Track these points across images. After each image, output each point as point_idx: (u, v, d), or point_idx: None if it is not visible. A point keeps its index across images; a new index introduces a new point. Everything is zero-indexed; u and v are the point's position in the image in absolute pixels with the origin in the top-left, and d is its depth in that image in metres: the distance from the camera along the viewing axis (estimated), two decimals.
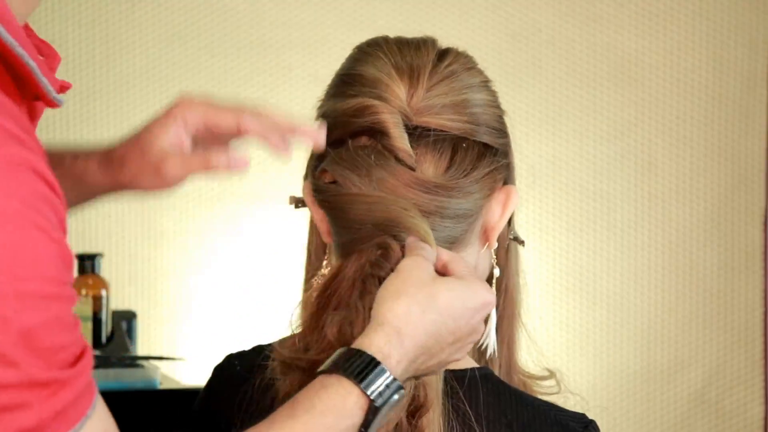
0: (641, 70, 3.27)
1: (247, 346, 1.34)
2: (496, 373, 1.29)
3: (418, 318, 1.14)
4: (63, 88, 1.11)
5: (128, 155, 1.26)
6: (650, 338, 3.28)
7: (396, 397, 1.12)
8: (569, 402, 1.31)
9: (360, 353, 1.13)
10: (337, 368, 1.12)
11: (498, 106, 1.30)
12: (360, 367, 1.12)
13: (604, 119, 3.26)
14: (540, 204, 3.23)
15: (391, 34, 1.32)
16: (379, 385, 1.11)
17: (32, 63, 1.04)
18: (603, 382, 3.26)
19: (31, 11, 1.09)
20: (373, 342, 1.13)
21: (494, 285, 1.29)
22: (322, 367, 1.13)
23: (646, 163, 3.28)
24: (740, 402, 3.31)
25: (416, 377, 1.18)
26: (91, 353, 1.03)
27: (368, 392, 1.11)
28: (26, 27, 1.09)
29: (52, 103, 1.08)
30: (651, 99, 3.28)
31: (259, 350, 1.29)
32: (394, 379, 1.12)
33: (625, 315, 3.27)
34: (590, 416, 1.28)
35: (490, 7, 3.17)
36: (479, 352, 1.29)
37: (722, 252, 3.30)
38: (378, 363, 1.12)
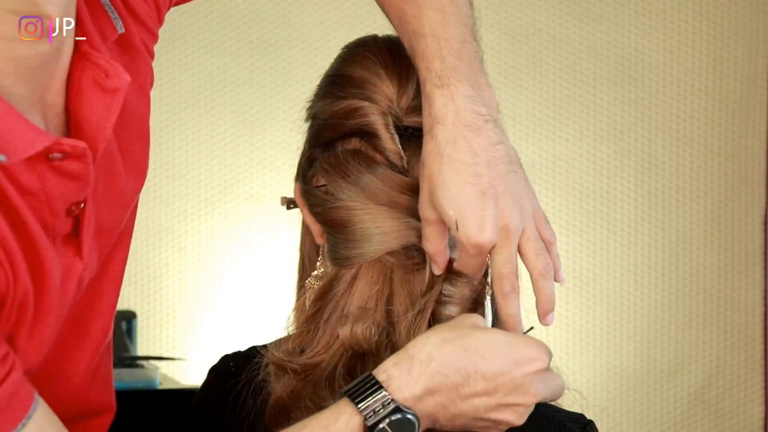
0: (641, 69, 3.27)
1: (244, 347, 1.34)
2: None
3: (434, 347, 1.13)
4: (60, 148, 1.04)
5: None
6: (650, 338, 3.28)
7: (396, 417, 1.10)
8: (567, 398, 1.31)
9: (366, 376, 1.13)
10: (343, 390, 1.14)
11: None
12: (358, 387, 1.12)
13: (604, 119, 3.26)
14: (540, 203, 3.23)
15: (391, 35, 1.31)
16: (372, 402, 1.11)
17: None
18: (603, 381, 3.26)
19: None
20: (382, 364, 1.13)
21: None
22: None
23: (646, 163, 3.28)
24: (740, 402, 3.31)
25: (451, 424, 1.15)
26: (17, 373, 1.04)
27: (360, 408, 1.11)
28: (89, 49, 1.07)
29: None
30: (651, 99, 3.28)
31: (254, 351, 1.29)
32: (392, 400, 1.11)
33: (625, 315, 3.27)
34: (590, 416, 1.28)
35: (490, 7, 3.17)
36: None
37: (722, 252, 3.30)
38: (375, 382, 1.12)
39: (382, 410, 1.11)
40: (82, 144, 1.05)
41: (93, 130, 1.08)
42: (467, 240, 1.16)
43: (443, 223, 1.18)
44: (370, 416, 1.11)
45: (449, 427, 1.15)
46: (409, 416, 1.11)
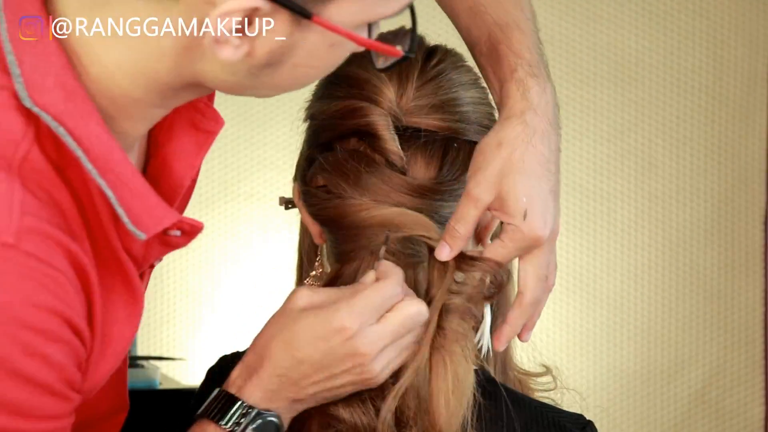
0: (641, 70, 3.27)
1: (243, 348, 1.34)
2: (492, 372, 1.29)
3: (263, 348, 1.17)
4: (180, 225, 1.03)
5: None
6: (650, 338, 3.28)
7: (257, 423, 1.13)
8: (565, 398, 1.31)
9: (219, 392, 1.16)
10: (199, 412, 1.16)
11: (488, 104, 1.28)
12: (213, 406, 1.15)
13: (604, 119, 3.26)
14: None
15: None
16: (234, 415, 1.13)
17: (109, 192, 0.99)
18: (603, 382, 3.26)
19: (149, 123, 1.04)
20: (229, 377, 1.17)
21: None
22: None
23: (646, 163, 3.28)
24: (740, 402, 3.31)
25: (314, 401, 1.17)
26: None
27: (222, 423, 1.13)
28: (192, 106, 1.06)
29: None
30: (651, 99, 3.28)
31: None
32: (250, 407, 1.13)
33: (625, 315, 3.27)
34: (590, 416, 1.27)
35: None
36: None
37: (722, 252, 3.30)
38: (229, 396, 1.14)
39: (244, 419, 1.13)
40: (200, 224, 1.06)
41: (184, 167, 1.09)
42: (530, 231, 1.16)
43: (485, 210, 1.17)
44: (236, 428, 1.13)
45: (315, 402, 1.17)
46: (270, 418, 1.14)
